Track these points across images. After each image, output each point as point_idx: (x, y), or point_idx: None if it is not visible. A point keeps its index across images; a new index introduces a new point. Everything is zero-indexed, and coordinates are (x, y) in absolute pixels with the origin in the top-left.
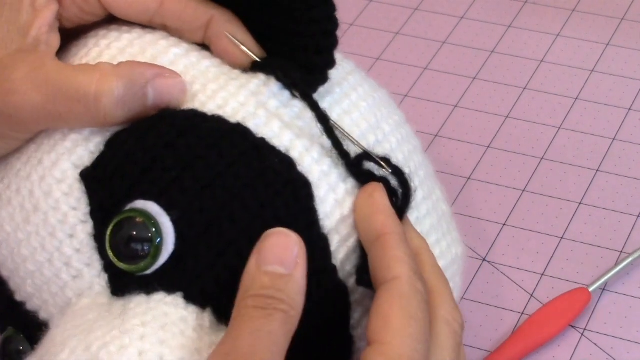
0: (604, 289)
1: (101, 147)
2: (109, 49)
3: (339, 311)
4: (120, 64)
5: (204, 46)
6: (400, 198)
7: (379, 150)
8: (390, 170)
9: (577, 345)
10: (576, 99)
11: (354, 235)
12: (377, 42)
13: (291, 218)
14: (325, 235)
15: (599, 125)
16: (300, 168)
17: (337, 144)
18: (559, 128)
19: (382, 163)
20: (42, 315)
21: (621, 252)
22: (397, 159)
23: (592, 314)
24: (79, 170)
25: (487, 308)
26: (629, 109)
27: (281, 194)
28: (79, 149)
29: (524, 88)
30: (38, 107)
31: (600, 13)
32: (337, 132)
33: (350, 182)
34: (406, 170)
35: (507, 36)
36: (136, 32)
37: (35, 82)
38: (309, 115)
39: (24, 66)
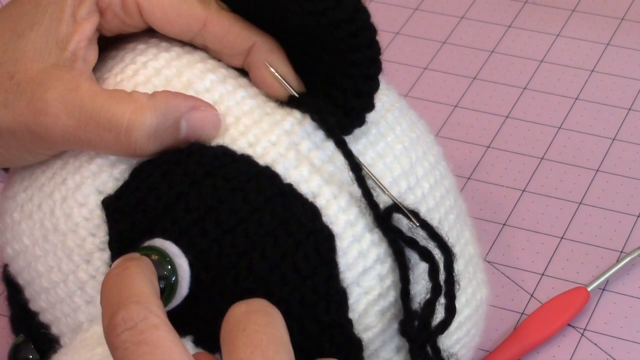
0: (603, 289)
1: (126, 175)
2: (145, 68)
3: None
4: (155, 94)
5: (242, 70)
6: (444, 270)
7: (410, 198)
8: (418, 224)
9: (577, 345)
10: (576, 99)
11: (377, 289)
12: None
13: (310, 270)
14: (344, 289)
15: (599, 125)
16: (325, 218)
17: (367, 194)
18: (559, 128)
19: (411, 217)
20: (54, 330)
21: (621, 252)
22: (428, 205)
23: (592, 314)
24: (102, 196)
25: (487, 308)
26: (629, 109)
27: (303, 245)
28: (104, 175)
29: (524, 88)
30: (68, 130)
31: (600, 13)
32: (368, 181)
33: (377, 233)
34: (434, 223)
35: (507, 36)
36: (174, 51)
37: (68, 106)
38: (341, 158)
39: (58, 85)
